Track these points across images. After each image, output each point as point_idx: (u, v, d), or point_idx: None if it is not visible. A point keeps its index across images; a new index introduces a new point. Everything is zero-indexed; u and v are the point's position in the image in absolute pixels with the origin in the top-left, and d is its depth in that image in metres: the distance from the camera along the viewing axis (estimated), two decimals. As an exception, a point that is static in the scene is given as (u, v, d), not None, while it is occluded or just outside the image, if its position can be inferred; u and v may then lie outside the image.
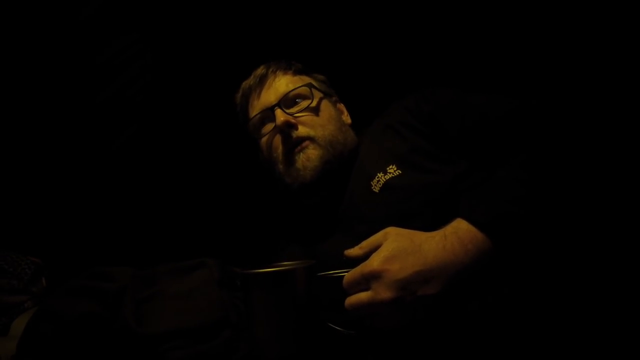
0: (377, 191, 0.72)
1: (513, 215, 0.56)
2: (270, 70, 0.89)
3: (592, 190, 0.65)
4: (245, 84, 0.93)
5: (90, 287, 0.69)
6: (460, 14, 1.08)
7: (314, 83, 0.89)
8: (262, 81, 0.89)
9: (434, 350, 0.58)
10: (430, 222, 0.61)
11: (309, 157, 0.79)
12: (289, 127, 0.80)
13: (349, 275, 0.57)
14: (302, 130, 0.81)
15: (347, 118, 0.94)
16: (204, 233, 1.18)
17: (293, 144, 0.81)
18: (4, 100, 1.19)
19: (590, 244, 0.65)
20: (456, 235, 0.56)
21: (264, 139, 0.87)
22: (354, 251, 0.59)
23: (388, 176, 0.72)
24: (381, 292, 0.53)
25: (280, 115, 0.81)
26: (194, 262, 0.79)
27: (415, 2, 1.11)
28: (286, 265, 0.63)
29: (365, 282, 0.55)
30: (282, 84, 0.86)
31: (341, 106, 0.96)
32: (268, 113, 0.85)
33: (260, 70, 0.90)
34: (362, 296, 0.55)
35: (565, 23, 0.96)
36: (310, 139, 0.80)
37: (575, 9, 0.95)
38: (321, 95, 0.88)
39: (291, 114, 0.82)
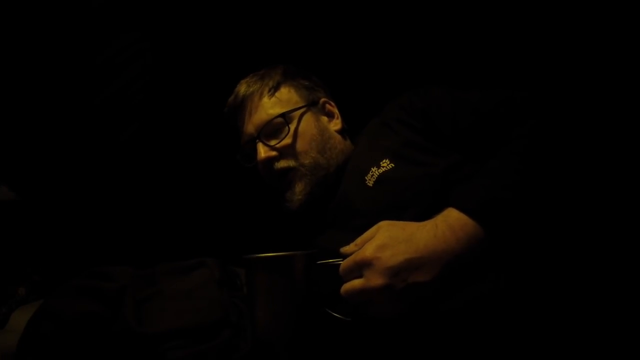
0: (371, 185, 0.74)
1: (502, 201, 0.57)
2: (248, 93, 0.89)
3: (583, 178, 0.65)
4: (229, 101, 0.94)
5: (91, 286, 0.69)
6: (456, 15, 1.08)
7: (295, 98, 0.88)
8: (242, 106, 0.90)
9: (428, 339, 0.58)
10: (424, 213, 0.61)
11: (294, 190, 0.83)
12: (269, 161, 0.84)
13: (344, 263, 0.59)
14: (282, 163, 0.84)
15: (336, 123, 0.92)
16: (204, 233, 1.18)
17: (276, 176, 0.85)
18: (2, 101, 1.19)
19: (582, 232, 0.66)
20: (447, 223, 0.57)
21: (255, 165, 0.89)
22: (350, 248, 0.60)
23: (381, 170, 0.74)
24: (373, 279, 0.55)
25: (261, 151, 0.84)
26: (194, 262, 0.79)
27: (411, 2, 1.11)
28: (289, 253, 0.65)
29: (359, 269, 0.57)
30: (260, 112, 0.86)
31: (331, 108, 0.94)
32: (252, 145, 0.87)
33: (241, 92, 0.91)
34: (356, 283, 0.57)
35: (556, 19, 0.97)
36: (292, 169, 0.83)
37: (566, 5, 0.95)
38: (301, 112, 0.87)
39: (271, 146, 0.84)
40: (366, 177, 0.75)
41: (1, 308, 0.92)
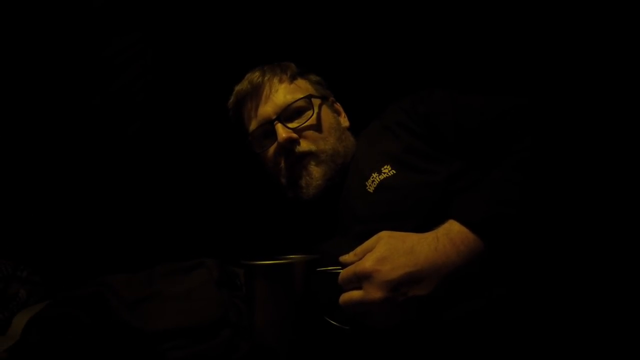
0: (372, 191, 0.73)
1: (505, 216, 0.56)
2: (266, 78, 0.87)
3: (586, 191, 0.65)
4: (239, 89, 0.91)
5: (68, 295, 0.68)
6: (458, 15, 1.08)
7: (311, 89, 0.88)
8: (257, 91, 0.87)
9: (426, 349, 0.58)
10: (424, 223, 0.61)
11: (313, 175, 0.80)
12: (291, 142, 0.80)
13: (343, 272, 0.58)
14: (304, 145, 0.81)
15: (344, 120, 0.93)
16: (204, 233, 1.18)
17: (295, 160, 0.81)
18: (3, 100, 1.19)
19: (584, 244, 0.65)
20: (448, 237, 0.56)
21: (265, 152, 0.86)
22: (349, 257, 0.59)
23: (382, 176, 0.72)
24: (372, 292, 0.54)
25: (282, 132, 0.80)
26: (192, 262, 0.79)
27: (412, 2, 1.11)
28: (288, 259, 0.65)
29: (358, 281, 0.56)
30: (280, 95, 0.84)
31: (338, 106, 0.95)
32: (268, 127, 0.84)
33: (256, 78, 0.88)
34: (355, 294, 0.56)
35: (561, 22, 0.97)
36: (313, 154, 0.80)
37: (572, 9, 0.95)
38: (319, 101, 0.87)
39: (292, 129, 0.81)
40: (367, 183, 0.74)
41: (4, 312, 0.91)
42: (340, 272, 0.59)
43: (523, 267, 0.59)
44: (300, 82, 0.89)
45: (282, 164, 0.83)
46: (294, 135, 0.81)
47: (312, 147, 0.81)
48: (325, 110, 0.87)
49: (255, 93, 0.87)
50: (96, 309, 0.66)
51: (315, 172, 0.80)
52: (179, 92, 1.25)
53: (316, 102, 0.86)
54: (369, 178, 0.74)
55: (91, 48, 1.20)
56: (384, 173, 0.73)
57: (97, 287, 0.69)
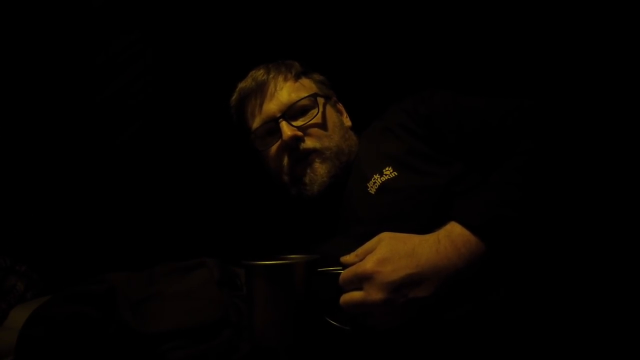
0: (373, 193, 0.73)
1: (506, 218, 0.56)
2: (271, 76, 0.87)
3: (587, 193, 0.65)
4: (242, 86, 0.91)
5: (79, 291, 0.68)
6: (460, 15, 1.08)
7: (315, 88, 0.88)
8: (261, 88, 0.86)
9: (426, 351, 0.58)
10: (426, 224, 0.61)
11: (317, 172, 0.80)
12: (296, 140, 0.80)
13: (344, 273, 0.58)
14: (308, 143, 0.81)
15: (347, 120, 0.93)
16: (204, 233, 1.18)
17: (300, 157, 0.81)
18: (2, 100, 1.19)
19: (585, 246, 0.66)
20: (449, 239, 0.56)
21: (268, 150, 0.86)
22: (350, 258, 0.59)
23: (384, 178, 0.73)
24: (372, 294, 0.54)
25: (287, 130, 0.80)
26: (193, 262, 0.79)
27: (414, 2, 1.11)
28: (289, 258, 0.65)
29: (359, 282, 0.56)
30: (285, 93, 0.84)
31: (340, 106, 0.95)
32: (272, 125, 0.84)
33: (260, 76, 0.88)
34: (355, 295, 0.56)
35: (563, 24, 0.97)
36: (317, 152, 0.80)
37: (574, 9, 0.95)
38: (323, 100, 0.87)
39: (297, 127, 0.81)
40: (368, 184, 0.74)
41: (0, 303, 0.92)
42: (341, 273, 0.59)
43: (524, 269, 0.59)
44: (305, 81, 0.89)
45: (286, 162, 0.83)
46: (299, 133, 0.81)
47: (317, 145, 0.81)
48: (329, 109, 0.88)
49: (260, 90, 0.87)
50: (106, 308, 0.66)
51: (320, 169, 0.80)
52: (179, 91, 1.25)
53: (321, 100, 0.86)
54: (371, 179, 0.74)
55: (91, 48, 1.20)
56: (386, 175, 0.73)
57: (107, 284, 0.69)
